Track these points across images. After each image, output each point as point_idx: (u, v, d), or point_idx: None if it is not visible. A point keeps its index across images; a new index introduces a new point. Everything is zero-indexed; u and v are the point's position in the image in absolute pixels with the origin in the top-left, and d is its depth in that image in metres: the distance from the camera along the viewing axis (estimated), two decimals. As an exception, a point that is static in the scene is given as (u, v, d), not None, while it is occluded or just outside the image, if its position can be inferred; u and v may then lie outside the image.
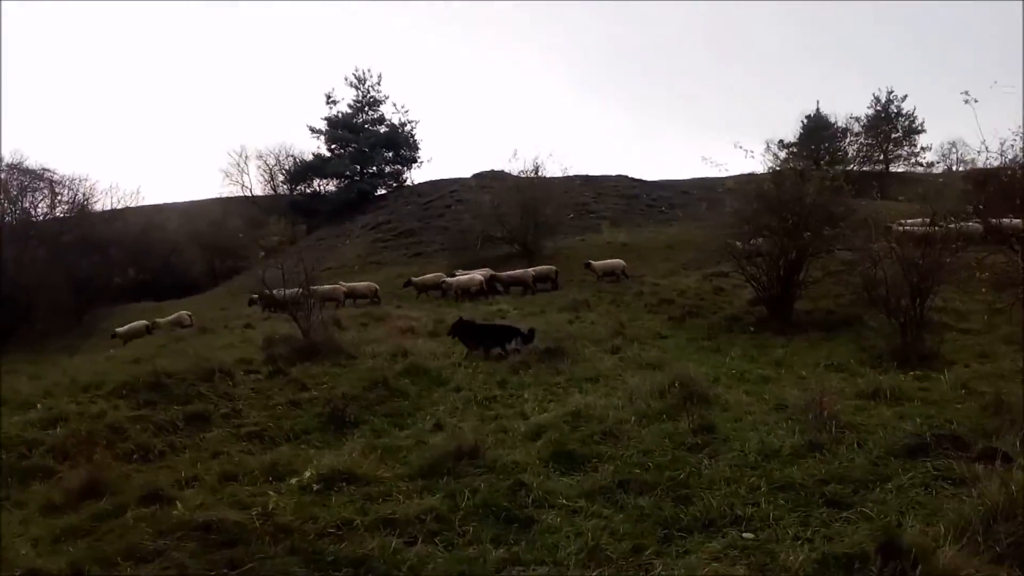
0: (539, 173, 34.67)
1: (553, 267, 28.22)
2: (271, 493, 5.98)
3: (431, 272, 29.82)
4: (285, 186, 57.28)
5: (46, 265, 36.26)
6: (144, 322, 26.69)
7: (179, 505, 5.51)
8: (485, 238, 32.86)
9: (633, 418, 8.39)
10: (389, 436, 8.72)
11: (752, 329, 17.47)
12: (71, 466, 7.46)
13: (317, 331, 12.95)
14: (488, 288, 26.18)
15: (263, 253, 50.25)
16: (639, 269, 29.40)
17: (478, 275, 26.82)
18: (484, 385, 11.13)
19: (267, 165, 58.55)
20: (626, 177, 47.38)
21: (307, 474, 6.51)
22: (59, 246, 37.56)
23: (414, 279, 28.63)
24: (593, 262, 27.93)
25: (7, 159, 38.64)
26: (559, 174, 35.95)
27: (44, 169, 40.25)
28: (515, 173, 38.53)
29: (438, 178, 49.54)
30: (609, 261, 28.28)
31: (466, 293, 25.88)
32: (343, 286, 27.64)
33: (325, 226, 47.96)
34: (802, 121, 65.35)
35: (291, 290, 21.25)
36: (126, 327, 26.62)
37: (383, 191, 50.52)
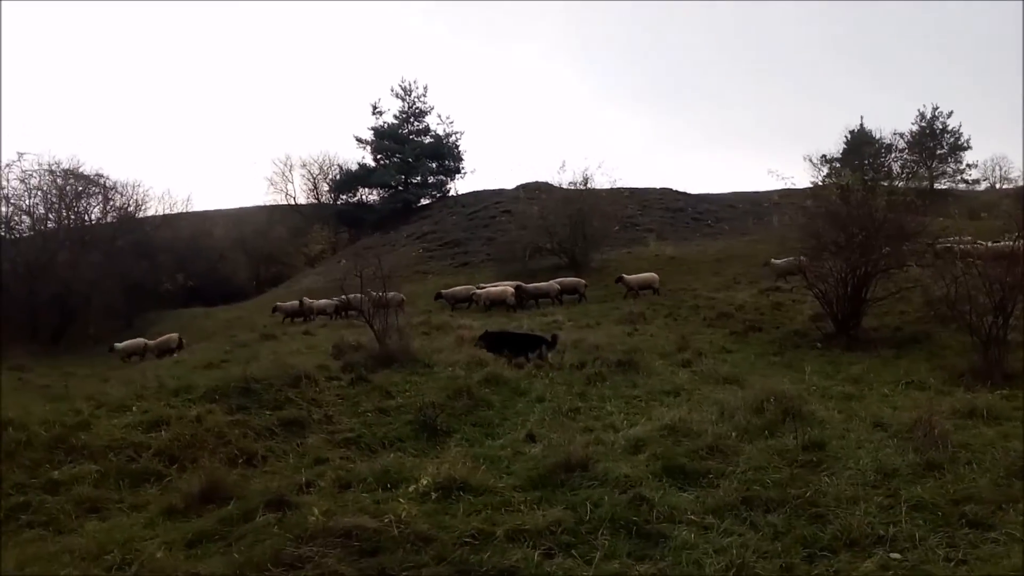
0: (588, 185, 34.61)
1: (581, 280, 28.16)
2: (401, 501, 5.93)
3: (482, 282, 29.90)
4: (329, 195, 57.89)
5: (99, 269, 36.98)
6: (143, 340, 26.71)
7: (316, 511, 5.47)
8: (534, 249, 32.83)
9: (733, 433, 8.24)
10: (483, 446, 8.67)
11: (819, 345, 17.18)
12: (179, 470, 7.51)
13: (392, 339, 12.95)
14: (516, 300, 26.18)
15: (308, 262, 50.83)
16: (689, 283, 29.17)
17: (509, 287, 26.94)
18: (565, 396, 11.05)
19: (311, 174, 59.32)
20: (670, 190, 47.16)
21: (424, 482, 6.47)
22: (112, 250, 38.32)
23: (444, 292, 28.68)
24: (626, 276, 27.79)
25: (64, 164, 39.53)
26: (607, 186, 35.84)
27: (98, 175, 41.19)
28: (562, 185, 38.55)
29: (481, 189, 49.76)
30: (643, 275, 28.13)
31: (497, 303, 25.92)
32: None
33: (370, 235, 48.31)
34: (845, 136, 64.53)
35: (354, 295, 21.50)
36: (124, 344, 26.66)
37: (427, 201, 50.80)
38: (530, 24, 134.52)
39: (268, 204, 60.79)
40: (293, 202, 60.47)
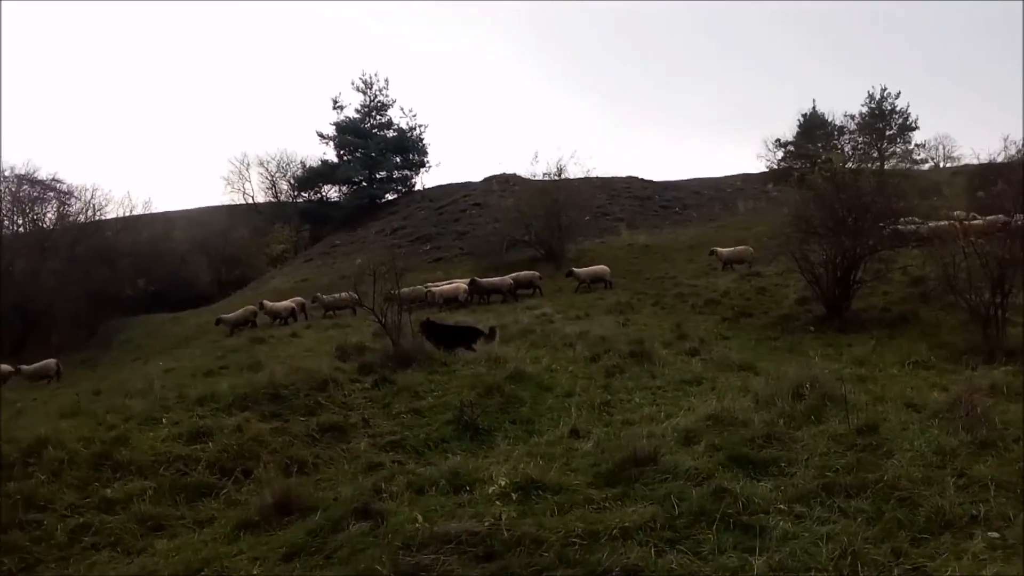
0: (562, 175, 34.66)
1: (536, 273, 28.35)
2: (497, 503, 5.84)
3: (457, 278, 29.74)
4: (290, 193, 56.91)
5: (60, 276, 35.83)
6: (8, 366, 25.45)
7: (419, 518, 5.36)
8: (511, 242, 32.75)
9: (781, 421, 8.32)
10: (527, 443, 8.62)
11: (812, 329, 17.51)
12: (235, 482, 7.30)
13: (406, 339, 12.78)
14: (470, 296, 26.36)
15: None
16: (666, 271, 29.46)
17: (462, 284, 27.07)
18: (589, 390, 11.03)
19: (269, 172, 58.17)
20: (636, 178, 47.49)
21: (501, 483, 6.39)
22: (72, 257, 37.11)
23: (321, 296, 28.52)
24: (576, 269, 28.12)
25: (17, 169, 38.14)
26: (580, 176, 35.92)
27: (54, 179, 39.83)
28: (535, 176, 38.58)
29: (448, 182, 49.44)
30: (594, 268, 28.54)
31: (452, 301, 26.01)
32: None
33: (337, 232, 47.62)
34: (799, 119, 65.85)
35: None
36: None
37: (393, 196, 50.27)
38: (479, 14, 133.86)
39: (226, 204, 59.47)
40: (252, 201, 59.26)
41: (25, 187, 38.51)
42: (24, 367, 25.43)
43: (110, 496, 6.86)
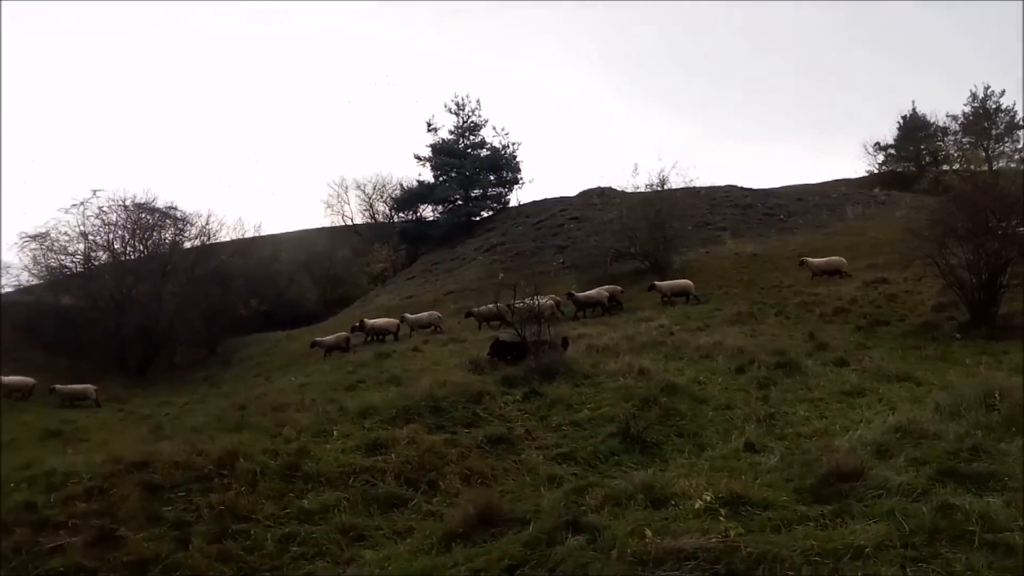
0: (665, 186, 34.18)
1: (618, 287, 27.83)
2: (722, 518, 5.63)
3: (558, 292, 29.54)
4: (386, 214, 58.22)
5: (180, 299, 37.54)
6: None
7: (647, 533, 5.20)
8: (615, 255, 32.47)
9: (978, 433, 7.79)
10: (699, 456, 8.37)
11: (959, 336, 16.57)
12: (423, 493, 7.32)
13: (544, 351, 12.69)
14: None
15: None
16: (779, 279, 28.52)
17: (552, 299, 26.61)
18: (751, 403, 10.68)
19: (366, 194, 59.67)
20: (736, 187, 46.37)
21: (706, 497, 6.16)
22: (191, 280, 38.85)
23: (474, 310, 28.34)
24: (658, 283, 27.53)
25: (139, 198, 40.30)
26: (681, 186, 35.37)
27: (171, 207, 41.87)
28: (638, 188, 38.25)
29: (542, 198, 49.51)
30: (677, 282, 27.85)
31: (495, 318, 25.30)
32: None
33: (435, 251, 48.35)
34: (898, 122, 63.34)
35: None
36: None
37: (487, 214, 50.78)
38: (546, 31, 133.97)
39: (327, 227, 61.29)
40: (351, 222, 60.87)
41: (144, 215, 40.55)
42: (59, 386, 26.30)
43: (307, 507, 6.97)
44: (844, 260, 27.21)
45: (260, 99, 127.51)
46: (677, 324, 21.63)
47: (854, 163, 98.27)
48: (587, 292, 27.50)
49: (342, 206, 60.70)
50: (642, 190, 35.31)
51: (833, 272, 26.87)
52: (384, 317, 31.04)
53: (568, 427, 9.50)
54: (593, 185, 46.61)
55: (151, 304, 36.76)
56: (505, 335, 15.53)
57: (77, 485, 7.03)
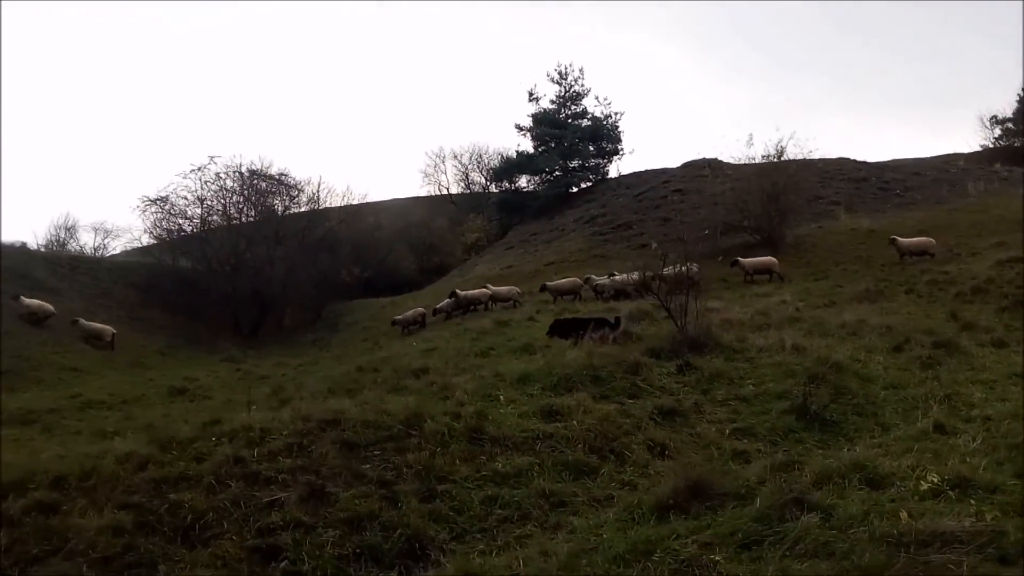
0: (782, 157, 33.03)
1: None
2: (972, 502, 5.37)
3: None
4: (482, 184, 58.42)
5: (291, 263, 38.66)
6: None
7: (903, 515, 4.99)
8: (725, 227, 31.66)
9: None
10: (885, 436, 8.05)
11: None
12: (612, 462, 7.28)
13: (691, 325, 12.43)
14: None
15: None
16: (892, 256, 27.22)
17: (632, 276, 25.97)
18: (926, 382, 10.20)
19: (462, 164, 59.98)
20: (849, 159, 44.36)
21: (932, 479, 5.89)
22: (301, 245, 39.99)
23: (548, 284, 28.14)
24: (742, 259, 26.70)
25: (252, 165, 41.61)
26: (798, 157, 34.08)
27: (282, 174, 43.08)
28: (737, 160, 37.19)
29: (642, 169, 48.67)
30: (760, 259, 26.90)
31: (621, 294, 25.19)
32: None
33: (532, 222, 48.28)
34: (1018, 94, 59.28)
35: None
36: None
37: (586, 184, 50.31)
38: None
39: (423, 195, 61.97)
40: (447, 192, 61.33)
41: (258, 181, 41.85)
42: (81, 321, 27.41)
43: (501, 470, 7.02)
44: (933, 240, 26.24)
45: (368, 69, 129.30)
46: (800, 300, 20.95)
47: (968, 137, 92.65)
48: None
49: (439, 175, 61.31)
50: (757, 161, 34.13)
51: (922, 253, 25.88)
52: (478, 288, 31.05)
53: (735, 402, 9.28)
54: (696, 156, 45.51)
55: (264, 267, 38.05)
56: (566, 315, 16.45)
57: (277, 441, 7.26)
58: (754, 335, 12.78)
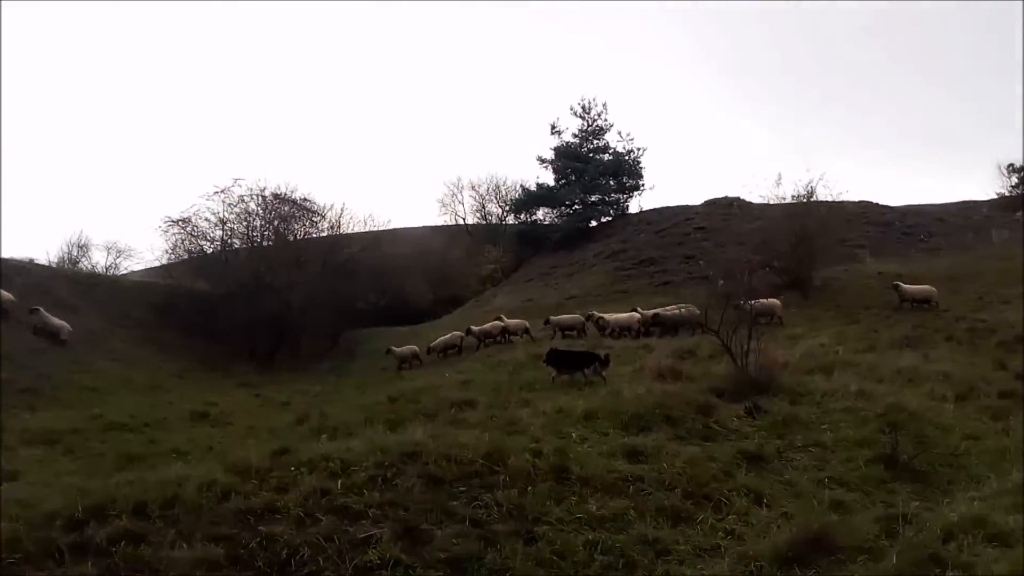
0: (812, 198, 32.94)
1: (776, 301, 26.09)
2: None
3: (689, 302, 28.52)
4: (499, 215, 58.32)
5: (311, 288, 38.36)
6: None
7: None
8: (753, 268, 31.39)
9: None
10: (980, 490, 7.73)
11: None
12: (710, 509, 6.97)
13: (751, 365, 12.15)
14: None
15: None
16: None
17: (636, 314, 26.07)
18: (989, 431, 9.92)
19: (479, 195, 59.84)
20: (872, 203, 44.24)
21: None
22: (323, 271, 39.74)
23: (552, 318, 27.95)
24: (902, 285, 26.31)
25: (276, 189, 41.56)
26: (827, 199, 33.95)
27: (305, 199, 43.00)
28: (760, 200, 37.13)
29: (663, 205, 48.58)
30: (922, 287, 26.55)
31: (626, 331, 25.20)
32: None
33: (550, 255, 48.15)
34: (1034, 141, 59.40)
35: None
36: None
37: (605, 219, 50.24)
38: (661, 34, 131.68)
39: (438, 225, 61.82)
40: (463, 222, 61.17)
41: (280, 206, 41.80)
42: (43, 311, 26.59)
43: (596, 512, 6.72)
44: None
45: (394, 95, 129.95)
46: (838, 344, 20.65)
47: (984, 183, 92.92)
48: (671, 312, 26.04)
49: (455, 205, 61.20)
50: (786, 201, 34.02)
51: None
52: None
53: (816, 448, 8.98)
54: (718, 195, 45.49)
55: (283, 292, 37.75)
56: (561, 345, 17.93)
57: (360, 473, 6.97)
58: (809, 378, 12.47)
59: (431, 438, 8.07)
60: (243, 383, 29.50)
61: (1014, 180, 62.97)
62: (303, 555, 5.73)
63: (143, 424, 19.93)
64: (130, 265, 49.28)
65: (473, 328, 29.21)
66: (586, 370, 15.51)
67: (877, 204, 44.43)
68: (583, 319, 27.21)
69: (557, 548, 6.13)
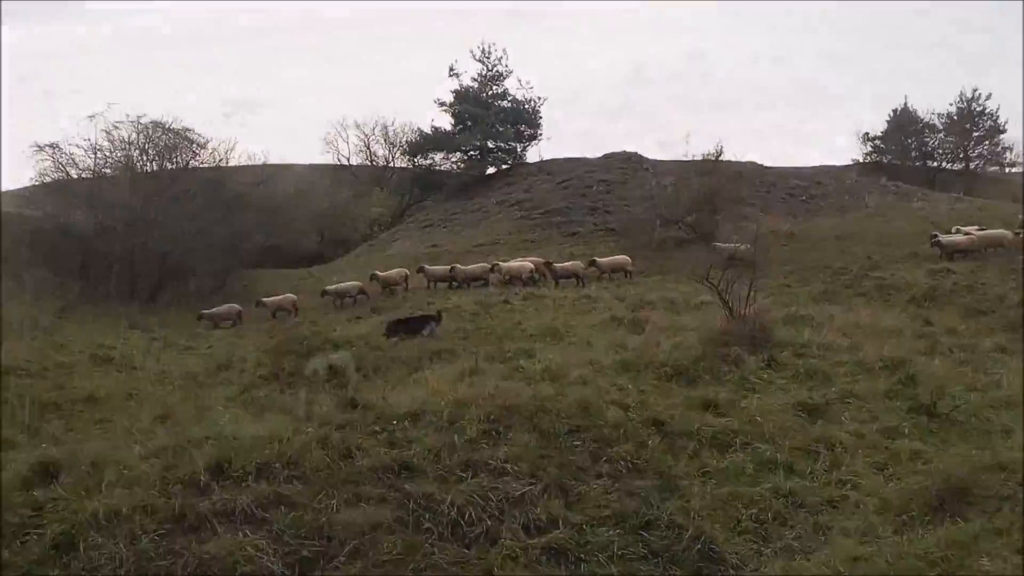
0: (720, 158, 34.20)
1: (628, 258, 27.56)
2: None
3: (600, 255, 28.98)
4: (385, 157, 56.63)
5: (196, 223, 35.70)
6: None
7: None
8: (663, 221, 32.43)
9: None
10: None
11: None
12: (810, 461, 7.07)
13: (748, 317, 12.42)
14: (541, 276, 26.31)
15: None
16: (821, 260, 28.75)
17: (528, 262, 27.18)
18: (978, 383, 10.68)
19: (365, 135, 57.69)
20: (757, 164, 46.46)
21: None
22: (208, 204, 37.07)
23: (426, 267, 28.64)
24: (599, 260, 27.22)
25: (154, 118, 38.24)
26: (726, 160, 35.46)
27: (186, 129, 39.90)
28: (662, 157, 38.27)
29: (561, 157, 48.95)
30: (616, 258, 27.62)
31: (516, 280, 26.05)
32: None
33: (447, 201, 47.42)
34: (889, 115, 65.63)
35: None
36: None
37: (504, 167, 49.96)
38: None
39: (322, 163, 59.15)
40: (347, 162, 58.86)
41: (160, 134, 38.57)
42: None
43: (717, 465, 6.66)
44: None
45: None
46: (767, 299, 21.55)
47: (840, 149, 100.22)
48: (565, 264, 27.26)
49: (339, 144, 58.69)
50: (688, 158, 35.15)
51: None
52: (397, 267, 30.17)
53: (852, 400, 9.23)
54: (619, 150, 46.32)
55: (167, 225, 34.91)
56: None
57: (470, 427, 6.54)
58: (796, 331, 12.94)
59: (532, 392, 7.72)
60: (133, 325, 27.29)
61: (868, 148, 68.86)
62: (468, 515, 5.30)
63: (43, 368, 18.24)
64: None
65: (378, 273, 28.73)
66: (424, 332, 16.74)
67: (761, 165, 46.79)
68: (488, 267, 27.26)
69: (707, 503, 6.02)
